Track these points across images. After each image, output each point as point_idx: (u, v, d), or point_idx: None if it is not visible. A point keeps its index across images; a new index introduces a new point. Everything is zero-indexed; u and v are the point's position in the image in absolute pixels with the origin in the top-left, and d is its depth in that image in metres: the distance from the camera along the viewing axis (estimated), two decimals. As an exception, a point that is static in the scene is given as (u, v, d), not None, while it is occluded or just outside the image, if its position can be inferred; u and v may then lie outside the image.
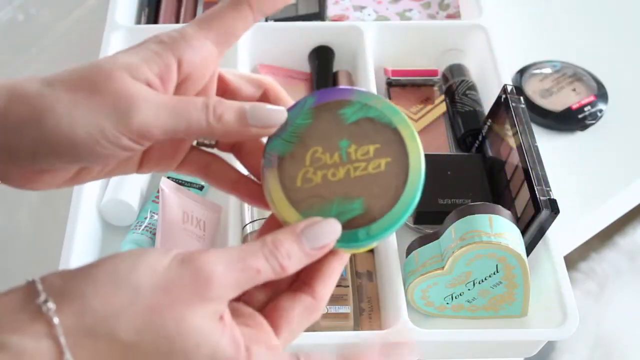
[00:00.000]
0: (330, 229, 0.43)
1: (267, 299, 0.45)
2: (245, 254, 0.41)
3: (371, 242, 0.44)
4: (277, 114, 0.44)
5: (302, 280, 0.45)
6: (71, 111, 0.41)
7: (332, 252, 0.44)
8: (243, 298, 0.44)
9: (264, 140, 0.47)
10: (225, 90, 0.49)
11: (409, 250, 0.75)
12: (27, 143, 0.42)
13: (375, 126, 0.45)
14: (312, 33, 0.97)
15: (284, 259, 0.42)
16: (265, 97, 0.49)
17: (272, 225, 0.47)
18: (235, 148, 0.49)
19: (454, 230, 0.71)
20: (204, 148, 0.49)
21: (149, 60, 0.43)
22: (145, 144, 0.43)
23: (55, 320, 0.38)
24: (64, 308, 0.38)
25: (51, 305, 0.38)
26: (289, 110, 0.45)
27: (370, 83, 0.89)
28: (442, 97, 0.94)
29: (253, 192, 0.48)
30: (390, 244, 0.76)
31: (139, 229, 0.79)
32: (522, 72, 0.99)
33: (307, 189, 0.45)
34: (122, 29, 0.94)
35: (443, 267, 0.71)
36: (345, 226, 0.44)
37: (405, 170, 0.44)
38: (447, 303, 0.74)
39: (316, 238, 0.43)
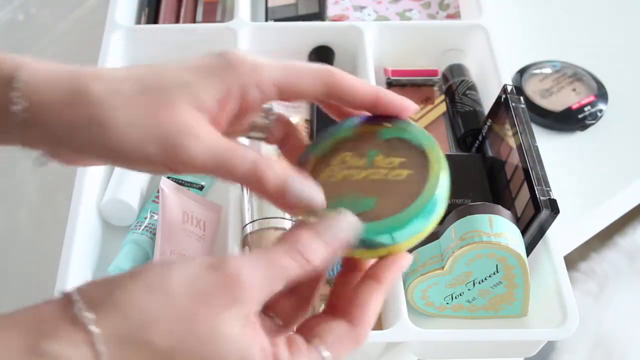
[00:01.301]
0: (349, 221, 0.44)
1: (293, 308, 0.46)
2: (269, 253, 0.42)
3: (376, 239, 0.45)
4: (313, 200, 0.45)
5: (344, 310, 0.46)
6: (124, 129, 0.43)
7: (373, 280, 0.46)
8: (271, 309, 0.44)
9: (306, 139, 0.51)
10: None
11: (409, 250, 0.75)
12: (76, 142, 0.44)
13: (406, 145, 0.47)
14: (312, 33, 0.97)
15: (307, 252, 0.43)
16: (286, 138, 0.51)
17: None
18: (281, 143, 0.52)
19: (454, 230, 0.71)
20: (252, 138, 0.51)
21: (213, 84, 0.45)
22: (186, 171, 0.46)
23: (93, 328, 0.38)
24: (101, 318, 0.39)
25: (88, 314, 0.39)
26: (333, 125, 0.49)
27: (370, 83, 0.89)
28: (442, 97, 0.94)
29: None
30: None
31: (139, 229, 0.79)
32: (522, 72, 0.98)
33: (327, 183, 0.47)
34: (122, 29, 0.94)
35: (443, 267, 0.71)
36: None
37: (424, 182, 0.46)
38: (447, 303, 0.74)
39: (335, 229, 0.44)
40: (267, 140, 0.51)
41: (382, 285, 0.46)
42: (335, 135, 0.49)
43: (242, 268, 0.41)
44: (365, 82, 0.48)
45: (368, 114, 0.50)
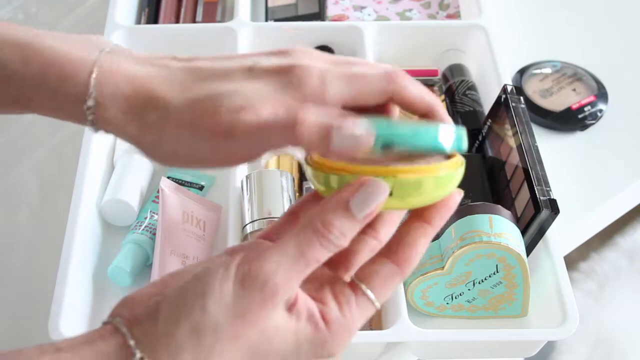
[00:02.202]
0: (378, 189, 0.43)
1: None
2: (302, 248, 0.42)
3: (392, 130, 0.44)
4: (362, 141, 0.42)
5: (388, 248, 0.46)
6: (174, 149, 0.46)
7: (418, 220, 0.46)
8: None
9: None
10: None
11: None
12: (137, 147, 0.48)
13: None
14: (312, 33, 0.97)
15: (339, 239, 0.42)
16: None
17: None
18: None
19: (454, 230, 0.71)
20: None
21: (274, 106, 0.45)
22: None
23: None
24: None
25: None
26: None
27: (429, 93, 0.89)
28: (442, 97, 0.94)
29: None
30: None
31: (139, 229, 0.79)
32: (522, 72, 0.98)
33: None
34: (122, 29, 0.94)
35: (443, 267, 0.71)
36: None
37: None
38: (447, 303, 0.74)
39: (365, 203, 0.42)
40: None
41: (433, 228, 0.46)
42: None
43: (278, 275, 0.41)
44: (425, 91, 0.48)
45: None
